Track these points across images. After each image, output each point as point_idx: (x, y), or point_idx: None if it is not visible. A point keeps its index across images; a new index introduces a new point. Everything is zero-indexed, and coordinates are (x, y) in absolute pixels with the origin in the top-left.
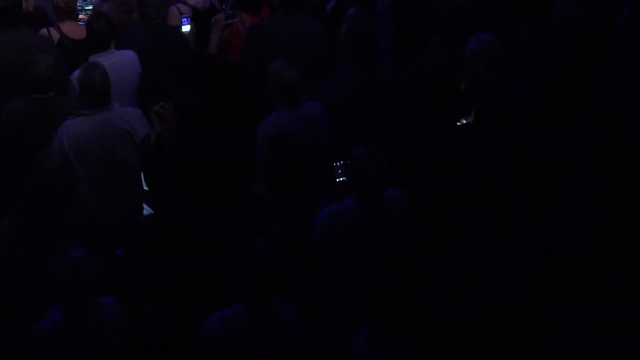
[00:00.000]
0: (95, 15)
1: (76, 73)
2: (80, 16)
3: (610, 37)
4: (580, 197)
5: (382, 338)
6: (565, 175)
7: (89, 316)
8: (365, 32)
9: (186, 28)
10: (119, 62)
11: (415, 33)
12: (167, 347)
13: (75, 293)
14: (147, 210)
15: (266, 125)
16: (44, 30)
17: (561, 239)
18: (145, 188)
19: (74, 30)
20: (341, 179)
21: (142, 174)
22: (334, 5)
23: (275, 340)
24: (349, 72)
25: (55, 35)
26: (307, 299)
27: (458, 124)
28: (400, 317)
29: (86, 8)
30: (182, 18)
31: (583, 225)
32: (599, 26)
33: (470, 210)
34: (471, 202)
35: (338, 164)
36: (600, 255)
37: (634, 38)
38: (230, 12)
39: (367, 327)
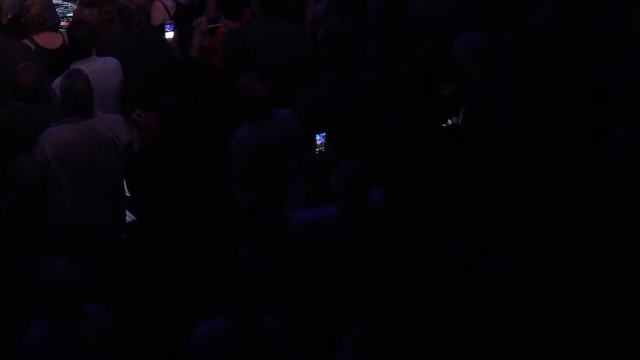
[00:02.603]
0: (77, 22)
1: (57, 81)
2: (61, 23)
3: (590, 42)
4: (566, 198)
5: (368, 346)
6: (551, 176)
7: (76, 326)
8: (342, 38)
9: (169, 35)
10: (101, 69)
11: (401, 40)
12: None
13: (60, 305)
14: (129, 217)
15: (237, 137)
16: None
17: (548, 242)
18: (128, 195)
19: (48, 40)
20: (320, 149)
21: (124, 181)
22: (323, 11)
23: (261, 353)
24: (326, 80)
25: (30, 46)
26: (291, 309)
27: (444, 125)
28: (387, 325)
29: (67, 15)
30: (165, 24)
31: (570, 228)
32: (578, 32)
33: (455, 213)
34: (456, 205)
35: (318, 136)
36: (588, 259)
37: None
38: (213, 16)
39: (354, 336)
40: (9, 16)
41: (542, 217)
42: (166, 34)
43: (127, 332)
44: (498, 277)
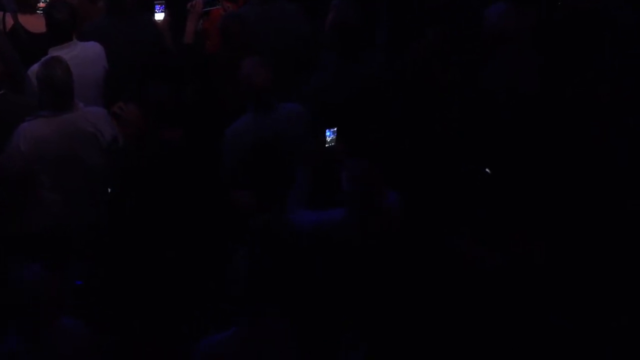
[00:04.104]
0: (55, 2)
1: (34, 68)
2: (39, 4)
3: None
4: (567, 192)
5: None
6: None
7: (51, 341)
8: (351, 23)
9: (159, 16)
10: (82, 55)
11: (409, 27)
12: None
13: (32, 315)
14: None
15: (236, 128)
16: None
17: (557, 240)
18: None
19: (33, 22)
20: (330, 145)
21: (108, 179)
22: None
23: None
24: (333, 68)
25: (10, 22)
26: (294, 313)
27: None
28: (398, 333)
29: None
30: (154, 4)
31: (571, 222)
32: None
33: (460, 209)
34: (461, 201)
35: (328, 130)
36: (589, 254)
37: None
38: None
39: (363, 348)
40: None
41: (543, 211)
42: (156, 15)
43: (112, 348)
44: (499, 272)
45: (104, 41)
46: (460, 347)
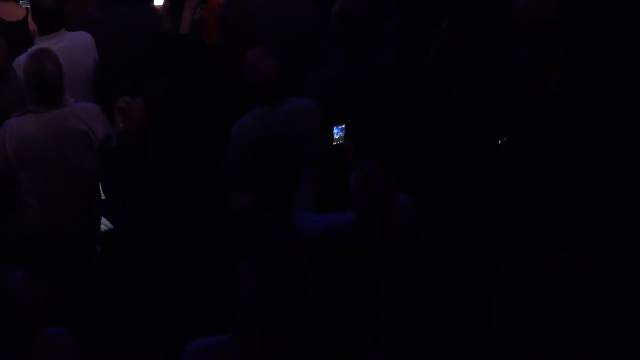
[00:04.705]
0: None
1: (21, 60)
2: None
3: None
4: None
5: None
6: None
7: (32, 352)
8: (360, 12)
9: (158, 1)
10: (71, 45)
11: (425, 16)
12: None
13: (14, 326)
14: (105, 225)
15: (242, 124)
16: None
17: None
18: (104, 198)
19: (10, 11)
20: (338, 143)
21: (100, 182)
22: None
23: None
24: (341, 60)
25: None
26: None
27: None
28: (415, 344)
29: None
30: None
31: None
32: None
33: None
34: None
35: (336, 128)
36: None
37: None
38: None
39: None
40: None
41: (546, 207)
42: (154, 0)
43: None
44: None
45: (95, 31)
46: None
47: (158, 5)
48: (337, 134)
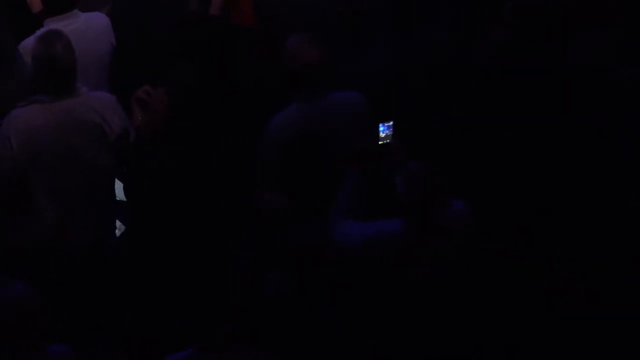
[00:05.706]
0: None
1: (28, 43)
2: None
3: None
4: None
5: None
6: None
7: None
8: None
9: None
10: (85, 27)
11: None
12: None
13: (10, 342)
14: (121, 230)
15: (279, 120)
16: None
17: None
18: (119, 199)
19: None
20: (385, 142)
21: (115, 180)
22: None
23: None
24: (385, 44)
25: None
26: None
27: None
28: None
29: None
30: None
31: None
32: None
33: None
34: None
35: (383, 125)
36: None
37: None
38: None
39: None
40: None
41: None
42: None
43: None
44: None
45: (111, 11)
46: None
47: None
48: (383, 132)
